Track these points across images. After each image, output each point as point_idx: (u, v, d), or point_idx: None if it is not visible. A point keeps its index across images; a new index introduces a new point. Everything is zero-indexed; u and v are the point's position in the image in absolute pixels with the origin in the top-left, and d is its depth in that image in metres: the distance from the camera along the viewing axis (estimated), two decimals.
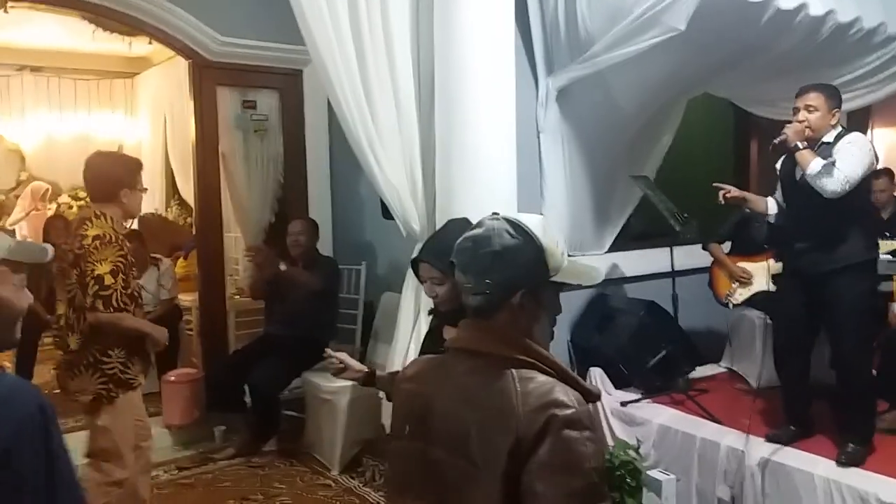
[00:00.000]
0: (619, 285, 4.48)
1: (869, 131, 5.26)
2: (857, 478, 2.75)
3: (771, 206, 3.19)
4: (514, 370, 1.25)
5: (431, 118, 3.13)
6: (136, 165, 2.87)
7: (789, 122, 3.00)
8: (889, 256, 3.03)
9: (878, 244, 3.02)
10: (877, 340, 3.26)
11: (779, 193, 3.18)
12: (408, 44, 3.12)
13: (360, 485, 3.56)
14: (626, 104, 3.82)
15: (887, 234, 3.28)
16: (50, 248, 1.54)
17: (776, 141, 2.95)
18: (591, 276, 1.44)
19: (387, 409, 3.17)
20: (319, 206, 4.69)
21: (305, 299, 3.96)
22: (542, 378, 1.25)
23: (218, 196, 4.56)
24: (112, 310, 2.58)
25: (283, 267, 4.03)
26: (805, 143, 2.87)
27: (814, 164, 2.79)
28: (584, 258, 4.23)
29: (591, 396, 1.31)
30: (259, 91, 4.69)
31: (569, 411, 1.19)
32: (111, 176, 2.71)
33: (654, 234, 4.07)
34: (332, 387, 3.73)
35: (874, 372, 3.11)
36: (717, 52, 3.59)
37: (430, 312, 2.17)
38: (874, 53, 3.89)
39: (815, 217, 2.91)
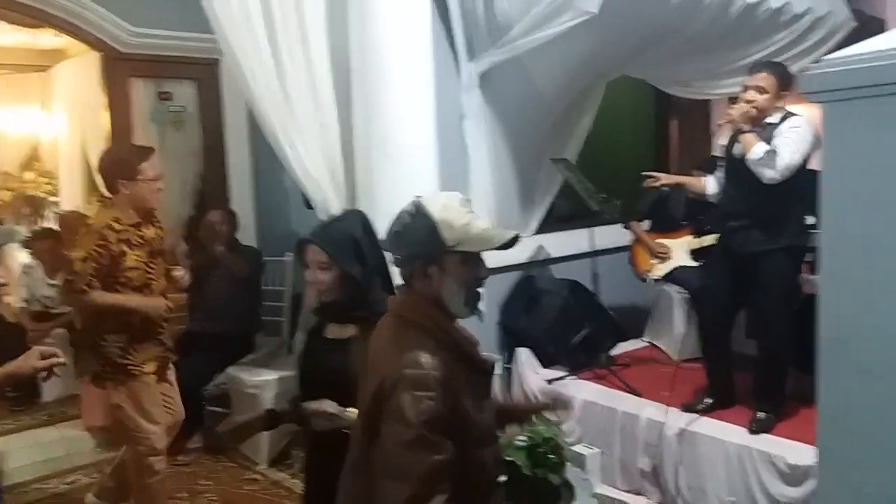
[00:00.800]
0: (546, 267, 4.55)
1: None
2: (767, 443, 2.89)
3: (710, 185, 3.23)
4: (413, 330, 1.50)
5: (350, 106, 3.10)
6: (130, 155, 2.86)
7: (734, 99, 3.03)
8: None
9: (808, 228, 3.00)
10: None
11: (723, 171, 3.22)
12: (323, 31, 3.06)
13: (289, 477, 3.53)
14: (546, 88, 3.87)
15: None
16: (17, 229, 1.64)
17: (720, 122, 3.00)
18: (492, 241, 1.52)
19: None
20: (241, 197, 4.60)
21: (227, 292, 3.89)
22: (420, 341, 1.47)
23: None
24: (76, 294, 2.69)
25: (211, 260, 3.96)
26: (749, 125, 2.88)
27: (756, 149, 2.81)
28: None
29: (482, 366, 1.58)
30: (175, 82, 4.57)
31: (418, 373, 1.41)
32: (104, 168, 2.82)
33: (582, 216, 4.14)
34: (257, 381, 3.68)
35: None
36: (632, 34, 3.65)
37: (314, 311, 2.12)
38: (782, 31, 4.03)
39: (751, 197, 2.95)
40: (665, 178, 3.37)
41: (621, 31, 3.51)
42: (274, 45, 2.96)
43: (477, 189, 3.99)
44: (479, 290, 1.56)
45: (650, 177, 3.26)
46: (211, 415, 4.03)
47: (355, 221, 2.03)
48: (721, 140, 3.22)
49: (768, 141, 2.85)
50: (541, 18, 3.28)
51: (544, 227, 4.57)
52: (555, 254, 4.50)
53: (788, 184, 2.84)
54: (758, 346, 3.14)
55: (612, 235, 4.34)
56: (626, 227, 4.21)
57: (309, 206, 3.31)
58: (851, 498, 1.45)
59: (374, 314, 1.91)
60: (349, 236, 1.94)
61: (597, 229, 4.14)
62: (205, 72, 4.56)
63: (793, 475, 2.72)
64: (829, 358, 1.42)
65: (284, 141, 3.00)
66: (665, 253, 3.96)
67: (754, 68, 3.00)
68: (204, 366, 3.85)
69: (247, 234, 4.46)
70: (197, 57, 4.45)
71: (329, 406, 1.92)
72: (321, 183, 3.09)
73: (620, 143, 5.31)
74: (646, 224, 4.21)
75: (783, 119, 2.92)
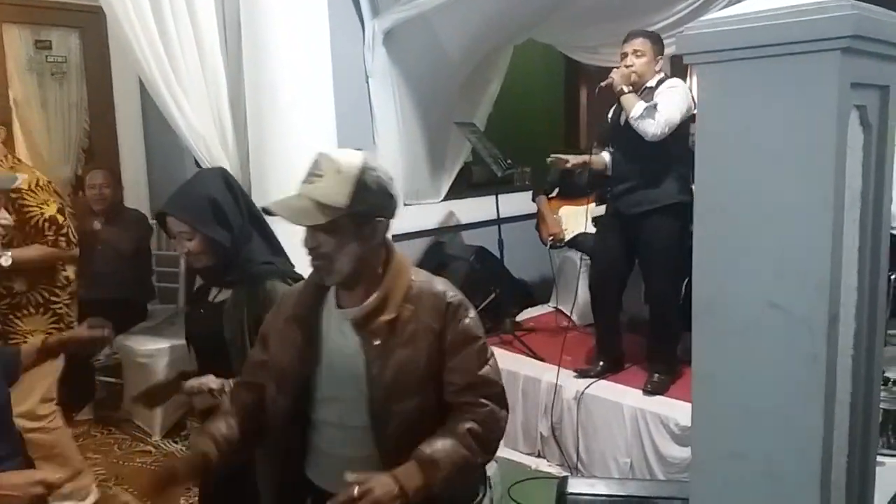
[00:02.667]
0: (457, 233, 4.54)
1: (688, 78, 5.61)
2: (660, 405, 2.97)
3: (609, 160, 3.29)
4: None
5: (240, 63, 2.93)
6: None
7: (616, 67, 3.07)
8: None
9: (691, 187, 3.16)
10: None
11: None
12: None
13: (183, 448, 3.42)
14: (452, 49, 3.81)
15: None
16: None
17: (602, 84, 3.03)
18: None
19: None
20: (132, 156, 4.34)
21: (115, 259, 3.67)
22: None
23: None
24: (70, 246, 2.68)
25: (97, 226, 3.72)
26: (630, 87, 2.97)
27: (637, 108, 2.91)
28: (420, 206, 4.25)
29: None
30: (55, 30, 4.23)
31: (460, 296, 1.56)
32: None
33: (497, 182, 4.12)
34: (149, 349, 3.52)
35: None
36: None
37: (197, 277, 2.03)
38: (683, 2, 4.09)
39: (635, 160, 3.04)
40: (573, 160, 3.39)
41: None
42: (162, 3, 2.76)
43: (384, 151, 3.91)
44: None
45: (558, 159, 3.28)
46: (103, 385, 3.87)
47: (214, 181, 1.92)
48: (609, 112, 3.27)
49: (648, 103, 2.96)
50: None
51: (458, 193, 4.55)
52: (466, 220, 4.50)
53: (669, 144, 2.95)
54: (649, 306, 3.23)
55: (522, 202, 4.37)
56: (533, 201, 4.24)
57: (199, 165, 3.15)
58: (722, 455, 1.48)
59: (248, 275, 1.86)
60: (207, 199, 1.84)
61: (510, 196, 4.15)
62: (88, 20, 4.24)
63: (683, 436, 2.80)
64: (701, 318, 1.43)
65: (169, 98, 2.82)
66: (556, 234, 3.98)
67: (630, 35, 3.07)
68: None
69: (140, 195, 4.22)
70: (78, 3, 4.12)
71: (211, 381, 1.83)
72: (208, 141, 2.93)
73: (531, 109, 5.32)
74: (554, 192, 4.24)
75: (660, 82, 3.03)
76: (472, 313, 1.54)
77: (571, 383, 3.17)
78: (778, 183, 1.30)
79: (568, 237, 4.00)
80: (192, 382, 1.85)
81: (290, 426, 1.55)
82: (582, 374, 3.18)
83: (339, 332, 1.52)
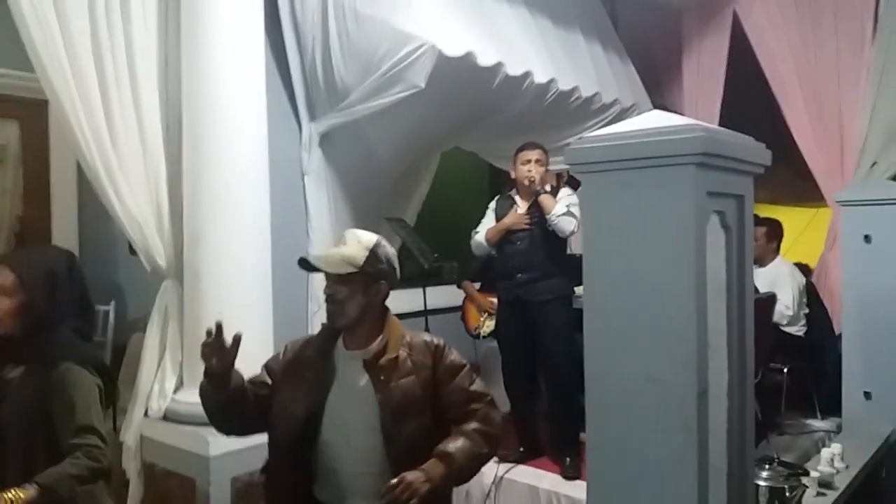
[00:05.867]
0: None
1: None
2: (574, 488, 3.10)
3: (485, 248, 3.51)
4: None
5: (180, 154, 3.10)
6: None
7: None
8: None
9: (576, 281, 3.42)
10: None
11: (482, 228, 3.53)
12: (154, 78, 3.07)
13: None
14: (383, 153, 4.06)
15: None
16: None
17: (525, 183, 3.30)
18: None
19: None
20: (65, 241, 4.34)
21: None
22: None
23: None
24: None
25: None
26: (541, 189, 3.28)
27: (558, 207, 3.20)
28: None
29: None
30: None
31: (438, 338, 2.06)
32: None
33: (426, 275, 4.31)
34: None
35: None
36: (459, 109, 3.95)
37: None
38: (594, 118, 4.52)
39: (536, 253, 3.30)
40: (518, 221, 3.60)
41: (448, 106, 3.78)
42: (104, 93, 2.91)
43: (317, 245, 4.06)
44: None
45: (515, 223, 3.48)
46: None
47: (62, 259, 1.96)
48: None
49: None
50: (375, 88, 3.49)
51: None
52: (395, 311, 4.64)
53: (560, 241, 3.29)
54: (547, 390, 3.41)
55: (448, 295, 4.57)
56: (459, 287, 4.45)
57: (133, 251, 3.23)
58: None
59: (46, 355, 1.82)
60: (47, 268, 1.87)
61: (437, 289, 4.34)
62: (29, 111, 4.34)
63: None
64: (591, 391, 1.61)
65: (109, 185, 2.93)
66: (493, 308, 4.21)
67: (530, 145, 3.42)
68: None
69: None
70: (21, 96, 4.23)
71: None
72: (144, 227, 3.03)
73: (459, 209, 5.62)
74: (477, 285, 4.48)
75: (553, 189, 3.36)
76: (454, 351, 2.01)
77: (491, 468, 3.26)
78: (650, 273, 1.54)
79: (491, 328, 4.20)
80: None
81: (298, 447, 1.88)
82: (502, 458, 3.29)
83: (349, 369, 1.92)
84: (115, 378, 2.02)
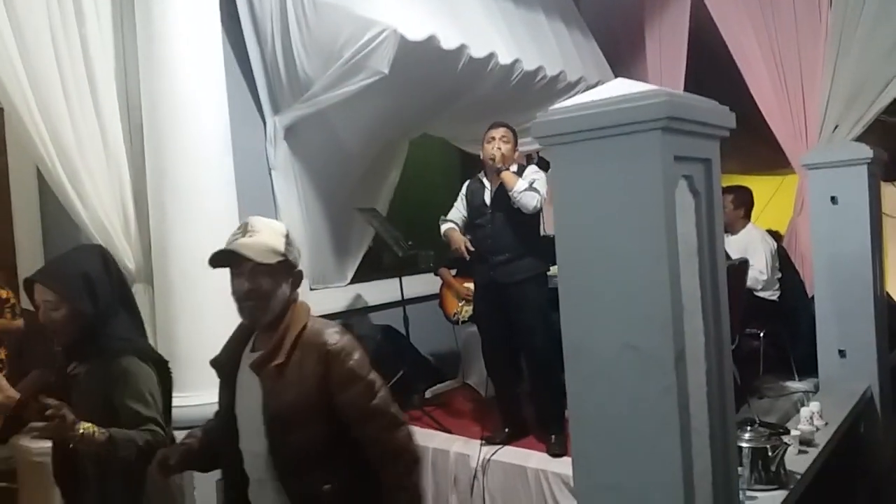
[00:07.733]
0: (364, 314, 4.66)
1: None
2: (560, 464, 3.10)
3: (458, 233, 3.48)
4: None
5: (143, 155, 3.04)
6: None
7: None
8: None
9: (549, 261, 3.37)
10: None
11: (454, 213, 3.51)
12: (112, 79, 3.00)
13: None
14: (350, 142, 4.03)
15: None
16: None
17: (489, 161, 3.26)
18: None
19: None
20: (28, 250, 4.25)
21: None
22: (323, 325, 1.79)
23: None
24: None
25: None
26: (506, 166, 3.24)
27: (520, 184, 3.16)
28: (327, 290, 4.36)
29: None
30: None
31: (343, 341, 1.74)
32: None
33: (402, 265, 4.28)
34: (46, 447, 3.36)
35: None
36: (425, 95, 3.92)
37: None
38: (561, 97, 4.52)
39: (506, 234, 3.27)
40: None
41: (414, 91, 3.76)
42: (62, 98, 2.82)
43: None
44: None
45: (457, 248, 3.46)
46: None
47: (90, 256, 1.99)
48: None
49: None
50: (338, 77, 3.45)
51: (364, 277, 4.68)
52: (372, 302, 4.63)
53: (532, 220, 3.27)
54: (528, 369, 3.41)
55: (426, 283, 4.56)
56: (436, 275, 4.44)
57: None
58: (599, 488, 1.62)
59: (106, 350, 1.92)
60: (80, 272, 1.90)
61: (414, 278, 4.32)
62: None
63: None
64: (570, 363, 1.61)
65: (72, 191, 2.86)
66: (470, 294, 4.20)
67: (497, 124, 3.37)
68: None
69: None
70: None
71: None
72: (112, 233, 2.97)
73: (432, 197, 5.61)
74: (453, 271, 4.46)
75: (521, 168, 3.32)
76: (356, 356, 1.72)
77: (478, 451, 3.28)
78: (622, 240, 1.54)
79: (470, 312, 4.19)
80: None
81: (225, 452, 1.80)
82: (488, 441, 3.30)
83: (248, 373, 1.74)
84: (166, 364, 2.07)
